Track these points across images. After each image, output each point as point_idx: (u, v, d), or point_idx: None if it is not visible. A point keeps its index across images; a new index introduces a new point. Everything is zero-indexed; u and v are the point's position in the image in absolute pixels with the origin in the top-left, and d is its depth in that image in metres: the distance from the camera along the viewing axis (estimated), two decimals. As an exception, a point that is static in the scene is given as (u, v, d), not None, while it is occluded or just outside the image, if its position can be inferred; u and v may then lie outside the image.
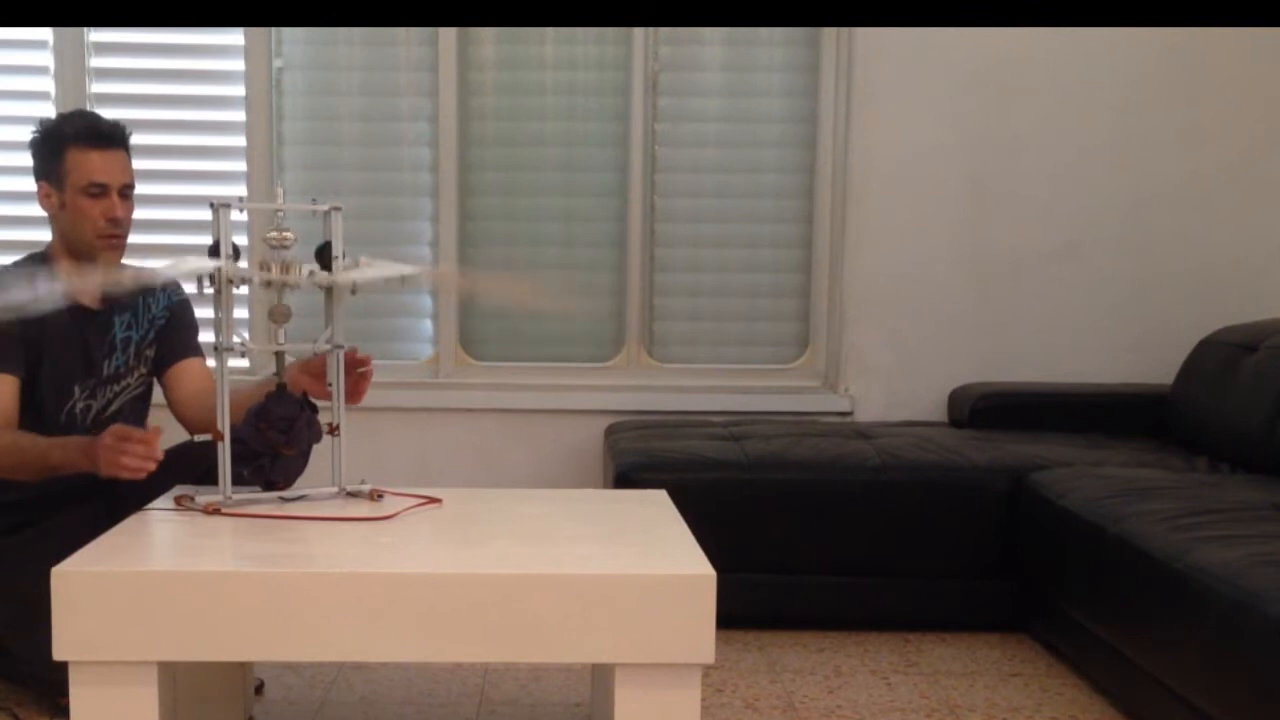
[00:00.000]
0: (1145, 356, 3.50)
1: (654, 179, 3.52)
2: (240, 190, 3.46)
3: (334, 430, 2.08)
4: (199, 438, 2.05)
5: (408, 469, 3.51)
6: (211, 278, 1.91)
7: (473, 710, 2.33)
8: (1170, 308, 3.50)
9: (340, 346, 2.07)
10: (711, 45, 3.49)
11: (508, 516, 1.97)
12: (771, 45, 3.49)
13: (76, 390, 2.36)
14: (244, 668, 2.19)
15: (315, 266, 2.01)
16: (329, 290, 2.04)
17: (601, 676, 2.03)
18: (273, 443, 2.00)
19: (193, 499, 1.98)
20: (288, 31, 3.45)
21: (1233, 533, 2.09)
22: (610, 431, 3.25)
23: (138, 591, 1.61)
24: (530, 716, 2.30)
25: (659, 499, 2.16)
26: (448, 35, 3.45)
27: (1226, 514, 2.22)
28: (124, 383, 2.43)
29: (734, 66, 3.49)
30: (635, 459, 2.81)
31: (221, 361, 1.95)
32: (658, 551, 1.76)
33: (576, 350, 3.58)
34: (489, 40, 3.48)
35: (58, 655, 1.62)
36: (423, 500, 2.05)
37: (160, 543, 1.76)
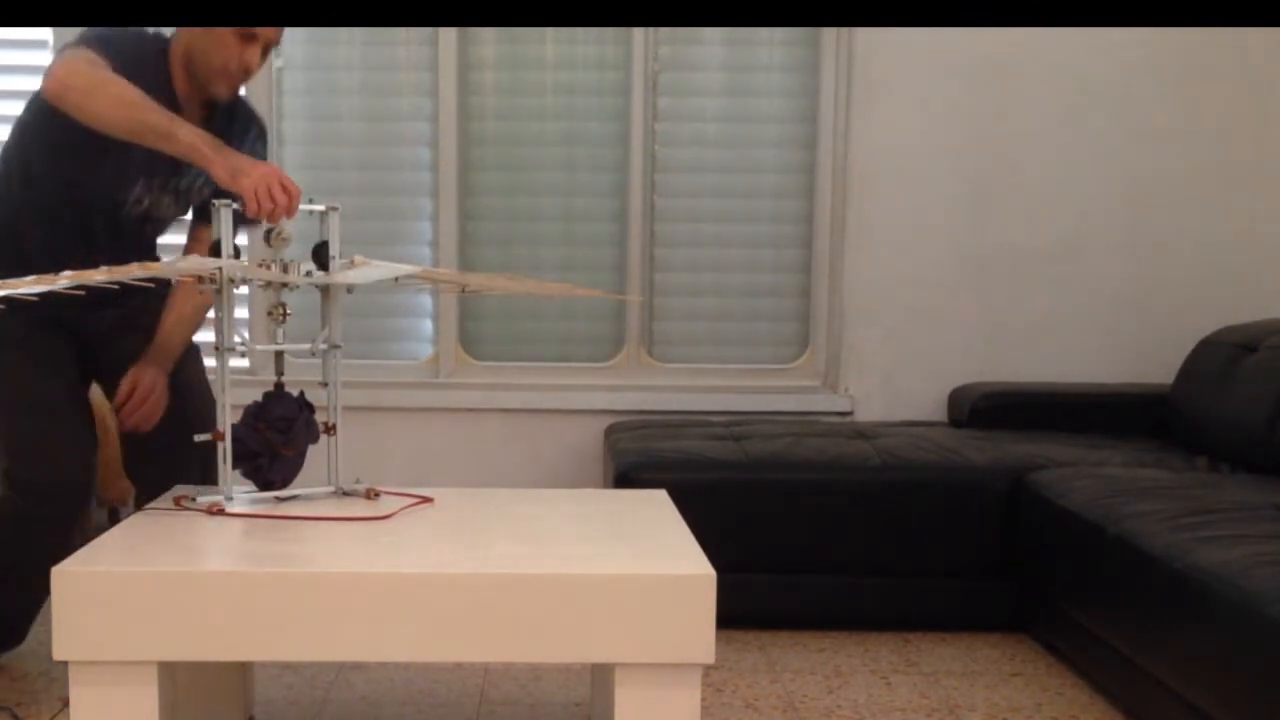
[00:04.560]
0: (1145, 356, 3.50)
1: (654, 179, 3.52)
2: (240, 190, 3.46)
3: (330, 430, 2.08)
4: (198, 438, 2.06)
5: (408, 469, 3.51)
6: (212, 278, 1.91)
7: (473, 710, 2.33)
8: (1170, 308, 3.50)
9: (337, 346, 2.07)
10: (711, 45, 3.49)
11: (508, 516, 1.97)
12: (771, 45, 3.49)
13: (142, 183, 2.22)
14: (244, 668, 2.19)
15: (313, 266, 2.01)
16: (325, 290, 2.05)
17: (601, 676, 2.03)
18: (271, 443, 2.00)
19: (193, 499, 1.98)
20: (288, 31, 3.45)
21: (1233, 533, 2.09)
22: (610, 431, 3.25)
23: (138, 591, 1.61)
24: (530, 716, 2.30)
25: (659, 499, 2.15)
26: (448, 35, 3.45)
27: (1226, 514, 2.22)
28: (166, 201, 2.29)
29: (734, 66, 3.49)
30: (635, 459, 2.82)
31: (222, 361, 1.95)
32: (658, 551, 1.76)
33: (576, 350, 3.58)
34: (489, 40, 3.48)
35: (58, 655, 1.62)
36: (415, 500, 2.05)
37: (160, 543, 1.76)
